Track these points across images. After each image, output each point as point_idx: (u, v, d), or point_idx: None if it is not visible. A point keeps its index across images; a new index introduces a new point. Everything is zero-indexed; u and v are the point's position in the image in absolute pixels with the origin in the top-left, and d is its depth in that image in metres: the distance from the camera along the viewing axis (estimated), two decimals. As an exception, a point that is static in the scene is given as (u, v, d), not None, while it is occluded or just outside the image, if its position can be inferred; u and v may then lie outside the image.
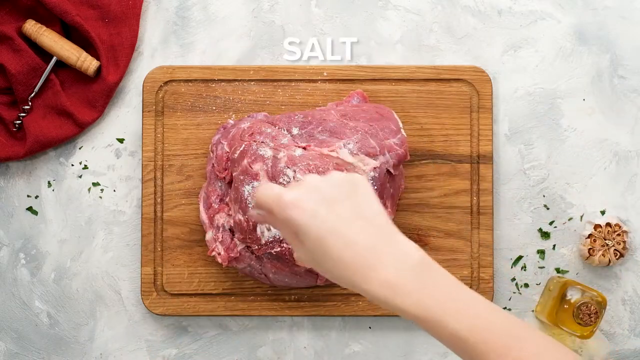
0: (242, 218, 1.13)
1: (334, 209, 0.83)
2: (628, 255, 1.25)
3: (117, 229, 1.26)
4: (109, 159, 1.26)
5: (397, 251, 0.83)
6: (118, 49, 1.25)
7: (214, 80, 1.24)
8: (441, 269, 0.83)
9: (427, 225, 1.23)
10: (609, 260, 1.23)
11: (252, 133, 1.15)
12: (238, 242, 1.16)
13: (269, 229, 1.12)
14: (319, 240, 0.82)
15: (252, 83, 1.24)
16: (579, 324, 1.18)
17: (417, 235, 1.23)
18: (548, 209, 1.26)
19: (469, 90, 1.24)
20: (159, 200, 1.23)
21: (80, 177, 1.26)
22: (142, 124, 1.23)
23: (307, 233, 0.83)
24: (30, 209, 1.26)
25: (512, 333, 0.82)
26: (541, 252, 1.26)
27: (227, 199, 1.18)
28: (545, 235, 1.25)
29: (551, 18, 1.27)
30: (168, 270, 1.23)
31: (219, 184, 1.19)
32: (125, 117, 1.27)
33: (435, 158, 1.23)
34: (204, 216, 1.20)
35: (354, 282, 0.82)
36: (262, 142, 1.14)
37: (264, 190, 0.86)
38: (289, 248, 1.13)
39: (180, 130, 1.24)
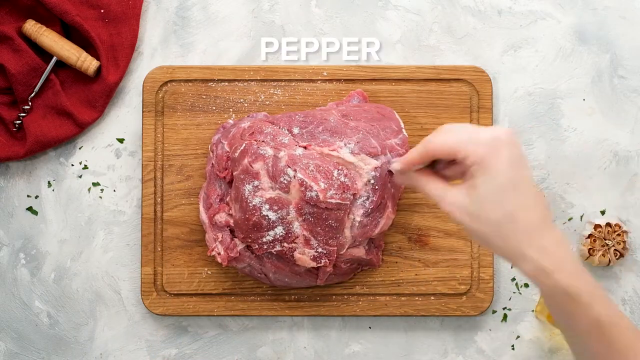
0: (243, 217, 1.13)
1: (523, 166, 0.89)
2: (628, 255, 1.25)
3: (117, 229, 1.26)
4: (109, 159, 1.26)
5: (556, 230, 0.90)
6: (118, 49, 1.25)
7: (214, 80, 1.24)
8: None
9: (427, 225, 1.23)
10: (609, 260, 1.23)
11: (253, 132, 1.15)
12: (238, 242, 1.16)
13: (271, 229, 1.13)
14: (504, 189, 0.87)
15: (252, 83, 1.24)
16: (579, 324, 1.18)
17: (417, 235, 1.23)
18: (548, 209, 1.26)
19: (469, 90, 1.24)
20: (159, 200, 1.23)
21: (80, 177, 1.26)
22: (142, 124, 1.23)
23: (498, 178, 0.87)
24: (30, 209, 1.26)
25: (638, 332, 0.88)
26: (541, 252, 1.25)
27: (227, 199, 1.18)
28: (545, 235, 1.25)
29: (551, 18, 1.27)
30: (168, 270, 1.23)
31: (219, 184, 1.19)
32: (125, 117, 1.27)
33: (435, 158, 1.23)
34: (203, 216, 1.20)
35: (517, 244, 0.87)
36: (262, 141, 1.14)
37: (446, 135, 0.91)
38: (290, 248, 1.13)
39: (180, 130, 1.24)
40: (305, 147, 1.13)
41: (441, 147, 0.92)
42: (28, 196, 1.26)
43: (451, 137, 0.91)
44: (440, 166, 0.97)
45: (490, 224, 0.88)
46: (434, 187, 0.94)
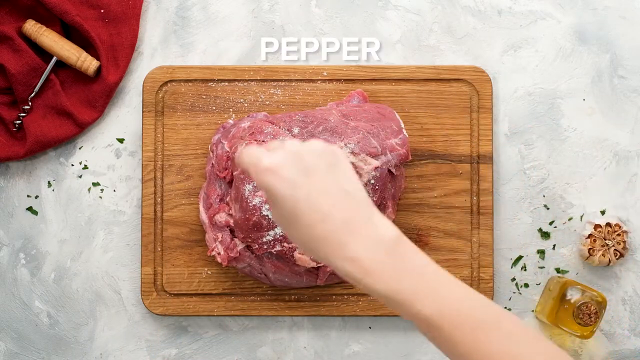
0: (243, 217, 1.13)
1: (313, 179, 0.80)
2: (628, 255, 1.25)
3: (117, 229, 1.26)
4: (109, 159, 1.26)
5: (372, 229, 0.80)
6: (118, 49, 1.25)
7: (214, 80, 1.24)
8: (416, 250, 0.81)
9: (427, 225, 1.23)
10: (609, 260, 1.23)
11: (253, 132, 1.15)
12: (238, 242, 1.16)
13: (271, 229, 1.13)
14: (294, 210, 0.79)
15: (252, 83, 1.24)
16: (579, 324, 1.18)
17: (417, 235, 1.23)
18: (548, 209, 1.26)
19: (469, 90, 1.24)
20: (159, 200, 1.23)
21: (80, 177, 1.26)
22: (142, 124, 1.23)
23: (282, 201, 0.80)
24: (30, 209, 1.26)
25: (484, 318, 0.79)
26: (541, 252, 1.26)
27: (227, 199, 1.18)
28: (545, 235, 1.25)
29: (551, 18, 1.27)
30: (168, 270, 1.23)
31: (219, 184, 1.19)
32: (125, 117, 1.27)
33: (435, 158, 1.23)
34: (203, 216, 1.20)
35: (325, 255, 0.80)
36: (262, 141, 1.14)
37: (244, 153, 0.82)
38: (290, 247, 1.13)
39: (180, 130, 1.24)
40: None
41: (240, 164, 0.84)
42: (28, 196, 1.26)
43: (244, 156, 0.83)
44: None
45: (298, 239, 0.82)
46: (266, 196, 0.83)
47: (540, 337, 0.81)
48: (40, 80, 1.23)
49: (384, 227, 0.81)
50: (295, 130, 1.15)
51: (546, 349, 0.80)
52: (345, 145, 1.13)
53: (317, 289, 1.23)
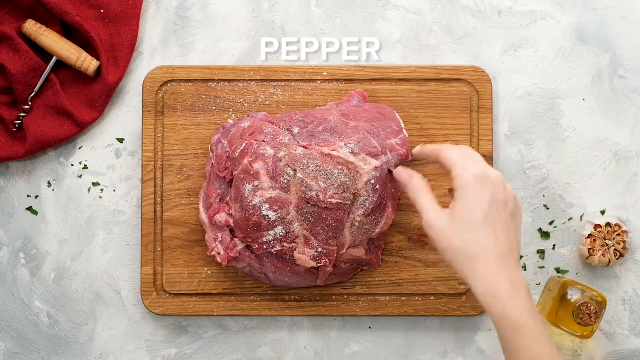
0: (243, 217, 1.13)
1: (499, 209, 1.00)
2: (628, 255, 1.25)
3: (117, 229, 1.26)
4: (109, 159, 1.26)
5: (519, 270, 0.99)
6: (118, 49, 1.25)
7: (214, 80, 1.24)
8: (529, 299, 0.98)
9: (427, 225, 1.23)
10: (609, 260, 1.23)
11: (253, 132, 1.15)
12: (238, 242, 1.16)
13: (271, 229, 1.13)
14: (477, 216, 0.98)
15: (252, 83, 1.24)
16: (579, 324, 1.18)
17: (417, 236, 1.23)
18: (548, 209, 1.26)
19: (469, 90, 1.24)
20: (159, 200, 1.23)
21: (80, 177, 1.26)
22: (142, 124, 1.24)
23: (476, 205, 0.98)
24: (30, 209, 1.26)
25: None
26: (541, 252, 1.26)
27: (227, 199, 1.18)
28: (545, 235, 1.25)
29: (551, 18, 1.27)
30: (168, 270, 1.23)
31: (219, 184, 1.19)
32: (125, 117, 1.27)
33: (435, 158, 1.23)
34: (203, 216, 1.20)
35: (476, 266, 0.97)
36: (262, 141, 1.14)
37: (453, 150, 1.03)
38: (290, 247, 1.13)
39: (180, 130, 1.24)
40: (305, 147, 1.13)
41: (446, 154, 1.02)
42: (28, 196, 1.26)
43: (458, 153, 1.02)
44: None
45: (458, 242, 0.99)
46: (424, 199, 1.03)
47: None
48: (40, 80, 1.23)
49: (523, 274, 1.00)
50: (295, 130, 1.15)
51: None
52: (346, 145, 1.13)
53: (317, 289, 1.23)
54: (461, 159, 1.01)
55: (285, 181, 1.11)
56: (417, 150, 1.09)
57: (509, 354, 0.96)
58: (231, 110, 1.24)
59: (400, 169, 1.08)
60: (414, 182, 1.05)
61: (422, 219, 1.01)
